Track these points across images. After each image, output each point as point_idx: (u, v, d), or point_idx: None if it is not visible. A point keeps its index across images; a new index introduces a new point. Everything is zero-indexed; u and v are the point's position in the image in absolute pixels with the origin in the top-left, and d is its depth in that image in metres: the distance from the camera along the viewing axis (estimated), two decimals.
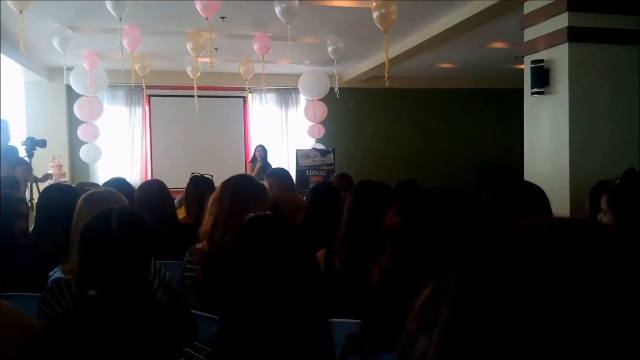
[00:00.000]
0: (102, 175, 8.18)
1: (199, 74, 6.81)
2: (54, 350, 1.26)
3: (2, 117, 5.17)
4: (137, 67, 6.28)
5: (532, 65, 3.94)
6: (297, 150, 7.70)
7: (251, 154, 8.49)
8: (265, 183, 3.44)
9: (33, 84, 8.08)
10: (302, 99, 8.84)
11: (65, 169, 7.60)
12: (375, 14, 4.84)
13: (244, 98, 9.01)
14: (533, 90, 3.96)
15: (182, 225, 2.97)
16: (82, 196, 1.97)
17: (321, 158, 7.47)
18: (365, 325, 1.18)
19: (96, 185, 3.28)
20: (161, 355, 1.26)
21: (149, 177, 8.68)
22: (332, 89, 7.40)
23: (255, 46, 6.13)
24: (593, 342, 0.34)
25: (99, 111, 7.80)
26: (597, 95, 3.81)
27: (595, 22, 3.77)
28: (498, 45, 6.96)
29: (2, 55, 5.66)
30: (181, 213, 3.28)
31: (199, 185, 3.07)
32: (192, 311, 1.65)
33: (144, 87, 7.04)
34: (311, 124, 8.36)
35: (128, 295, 1.36)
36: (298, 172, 7.28)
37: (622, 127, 3.85)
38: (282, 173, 3.78)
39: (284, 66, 7.27)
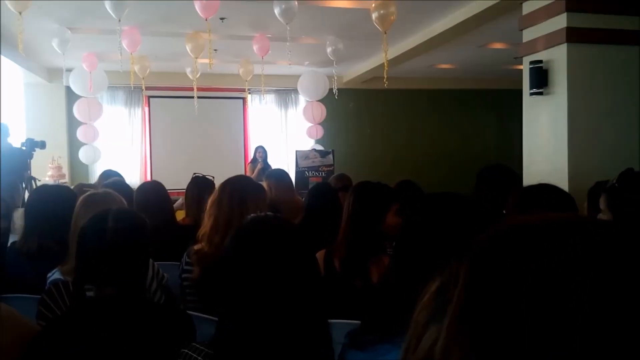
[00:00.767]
0: None
1: (198, 75, 6.81)
2: (51, 351, 1.26)
3: (1, 121, 5.16)
4: (136, 68, 6.29)
5: (531, 66, 3.95)
6: (296, 151, 7.70)
7: (251, 154, 8.49)
8: (265, 184, 3.44)
9: (33, 85, 8.09)
10: (302, 99, 8.85)
11: (65, 170, 7.60)
12: (374, 15, 4.84)
13: (244, 99, 9.02)
14: (532, 91, 3.97)
15: (180, 226, 2.97)
16: (81, 198, 1.97)
17: (320, 159, 7.47)
18: (365, 319, 1.19)
19: (95, 186, 3.28)
20: (159, 356, 1.26)
21: (148, 178, 8.68)
22: (331, 89, 7.40)
23: (255, 47, 6.14)
24: (596, 327, 0.36)
25: (98, 112, 7.80)
26: (595, 96, 3.81)
27: (594, 23, 3.78)
28: (497, 45, 6.97)
29: (1, 56, 5.67)
30: (182, 214, 3.29)
31: (199, 186, 3.07)
32: (190, 312, 1.65)
33: (143, 88, 7.04)
34: (310, 124, 8.37)
35: (125, 296, 1.36)
36: (297, 173, 7.28)
37: (621, 128, 3.85)
38: (281, 174, 3.78)
39: (283, 67, 7.28)
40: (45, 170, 6.94)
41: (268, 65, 6.71)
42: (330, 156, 7.54)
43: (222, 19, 5.45)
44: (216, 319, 1.14)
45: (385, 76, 5.06)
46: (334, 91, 7.03)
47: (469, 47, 6.97)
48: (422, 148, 9.72)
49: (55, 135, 7.80)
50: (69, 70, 6.89)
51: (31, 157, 6.08)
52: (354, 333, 1.18)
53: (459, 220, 1.14)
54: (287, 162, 8.58)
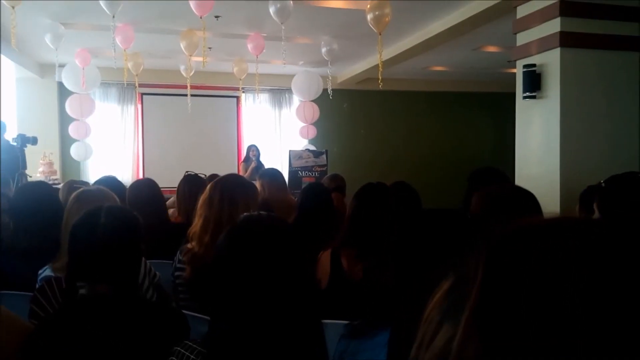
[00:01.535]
0: (93, 173, 8.13)
1: (192, 72, 6.79)
2: (45, 350, 1.25)
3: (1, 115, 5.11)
4: (130, 65, 6.25)
5: (524, 70, 3.97)
6: (289, 151, 7.70)
7: (244, 153, 8.47)
8: (257, 183, 3.43)
9: (24, 80, 8.02)
10: (296, 99, 8.84)
11: (56, 167, 7.54)
12: (369, 16, 4.85)
13: (237, 98, 9.00)
14: (525, 95, 3.99)
15: (173, 225, 2.96)
16: (73, 194, 1.96)
17: (314, 159, 7.47)
18: (367, 313, 1.22)
19: (86, 183, 3.26)
20: (152, 354, 1.26)
21: (141, 176, 8.64)
22: (325, 90, 7.40)
23: (249, 46, 6.12)
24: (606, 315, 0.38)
25: (90, 109, 7.75)
26: (588, 100, 3.84)
27: (587, 28, 3.80)
28: (491, 49, 7.00)
29: None
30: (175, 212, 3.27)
31: (191, 184, 3.06)
32: (183, 311, 1.65)
33: (136, 85, 7.01)
34: (303, 124, 8.37)
35: (118, 293, 1.36)
36: (290, 172, 7.28)
37: (613, 132, 3.88)
38: (275, 173, 3.78)
39: (277, 66, 7.27)
40: (37, 167, 6.88)
41: (262, 65, 6.70)
42: (324, 156, 7.55)
43: (216, 17, 5.43)
44: (208, 317, 1.14)
45: (380, 77, 5.07)
46: (329, 91, 7.04)
47: (463, 50, 7.00)
48: (416, 150, 9.75)
49: (47, 131, 7.74)
50: (62, 66, 6.84)
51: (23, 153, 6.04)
52: (352, 326, 1.21)
53: (453, 237, 1.16)
54: (281, 162, 8.58)
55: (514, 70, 4.32)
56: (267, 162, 7.81)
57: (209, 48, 6.28)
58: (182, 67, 7.17)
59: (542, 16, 3.91)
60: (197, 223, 2.11)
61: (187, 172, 3.21)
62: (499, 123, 9.61)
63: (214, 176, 3.15)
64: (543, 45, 3.90)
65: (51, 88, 8.18)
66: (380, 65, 5.03)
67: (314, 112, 8.21)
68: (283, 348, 1.02)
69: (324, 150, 7.78)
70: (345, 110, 9.41)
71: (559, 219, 0.45)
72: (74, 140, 7.79)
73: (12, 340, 1.27)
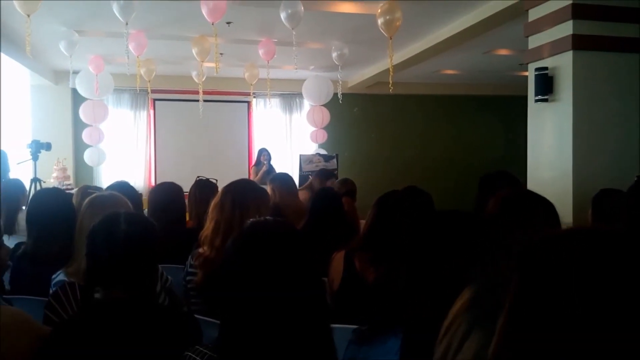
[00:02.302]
0: (106, 178, 8.20)
1: (204, 78, 6.84)
2: (59, 354, 1.27)
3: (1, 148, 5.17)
4: (142, 71, 6.32)
5: (536, 73, 3.94)
6: (300, 155, 7.71)
7: (254, 158, 8.50)
8: (268, 188, 3.44)
9: (39, 87, 8.13)
10: (306, 104, 8.86)
11: (70, 172, 7.63)
12: (380, 21, 4.85)
13: (249, 103, 9.04)
14: (537, 98, 3.96)
15: (186, 230, 2.98)
16: (87, 199, 1.98)
17: (324, 163, 7.48)
18: (375, 318, 1.22)
19: (100, 189, 3.29)
20: (164, 358, 1.27)
21: (153, 181, 8.70)
22: (335, 94, 7.41)
23: (261, 51, 6.16)
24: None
25: (104, 115, 7.84)
26: (601, 103, 3.80)
27: (599, 30, 3.77)
28: (503, 52, 6.97)
29: (8, 57, 5.71)
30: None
31: (202, 189, 3.08)
32: (195, 316, 1.65)
33: (149, 91, 7.08)
34: (314, 129, 8.38)
35: (135, 299, 1.37)
36: (301, 177, 7.29)
37: (626, 135, 3.84)
38: (285, 178, 3.79)
39: (288, 71, 7.30)
40: (50, 172, 6.97)
41: (273, 70, 6.73)
42: (334, 160, 7.55)
43: (228, 23, 5.47)
44: (219, 322, 1.15)
45: (391, 82, 5.06)
46: (339, 96, 7.05)
47: (474, 53, 6.97)
48: (427, 153, 9.71)
49: (60, 137, 7.84)
50: (76, 72, 6.92)
51: (37, 158, 6.13)
52: (359, 331, 1.21)
53: (468, 241, 1.16)
54: (291, 166, 8.60)
55: (526, 74, 4.29)
56: (278, 166, 7.83)
57: (221, 54, 6.32)
58: (194, 73, 7.23)
59: (554, 19, 3.89)
60: (208, 227, 2.13)
61: (198, 177, 3.23)
62: (510, 126, 9.55)
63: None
64: (555, 48, 3.87)
65: (65, 95, 8.28)
66: (390, 69, 5.03)
67: (325, 116, 8.22)
68: (292, 353, 1.02)
69: (334, 154, 7.79)
70: (355, 114, 9.41)
71: (587, 228, 0.48)
72: (88, 146, 7.88)
73: (29, 344, 1.29)
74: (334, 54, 6.35)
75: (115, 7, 4.52)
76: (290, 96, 9.23)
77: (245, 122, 9.28)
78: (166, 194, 2.94)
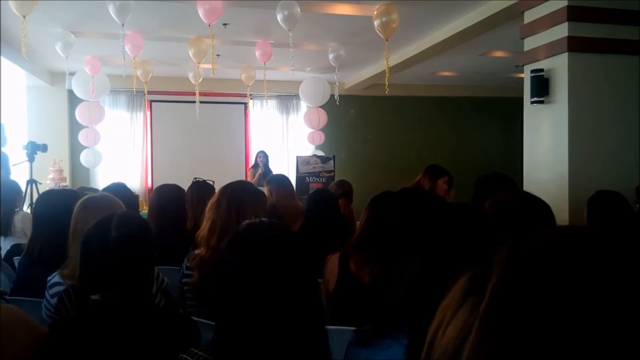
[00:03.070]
0: (102, 180, 8.19)
1: (200, 79, 6.84)
2: (56, 355, 1.27)
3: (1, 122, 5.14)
4: (139, 72, 6.31)
5: (532, 75, 3.96)
6: (297, 157, 7.71)
7: (252, 159, 8.50)
8: (265, 189, 3.44)
9: (35, 88, 8.11)
10: (303, 105, 8.87)
11: (66, 174, 7.62)
12: (376, 22, 4.86)
13: (245, 104, 9.03)
14: (532, 99, 3.97)
15: (186, 232, 2.96)
16: (79, 201, 1.97)
17: (321, 165, 7.48)
18: (372, 317, 1.22)
19: (96, 190, 3.28)
20: None
21: (149, 183, 8.69)
22: (332, 96, 7.42)
23: (257, 53, 6.16)
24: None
25: (100, 116, 7.82)
26: (596, 105, 3.82)
27: (595, 32, 3.79)
28: (499, 54, 6.99)
29: (3, 58, 5.69)
30: None
31: (199, 190, 3.07)
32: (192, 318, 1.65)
33: (145, 92, 7.07)
34: (311, 130, 8.39)
35: (130, 300, 1.37)
36: (298, 178, 7.29)
37: (622, 137, 3.85)
38: (282, 179, 3.79)
39: (285, 73, 7.30)
40: (47, 173, 6.95)
41: (270, 71, 6.73)
42: (331, 162, 7.56)
43: (225, 24, 5.47)
44: (214, 324, 1.15)
45: (387, 83, 5.07)
46: (336, 97, 7.05)
47: (470, 55, 6.99)
48: (424, 155, 9.70)
49: (57, 139, 7.82)
50: (72, 73, 6.91)
51: (33, 160, 6.12)
52: (360, 331, 1.20)
53: (472, 232, 1.17)
54: (288, 168, 8.60)
55: (522, 75, 4.31)
56: (275, 168, 7.83)
57: (217, 55, 6.32)
58: (190, 75, 7.22)
59: (549, 21, 3.90)
60: (204, 227, 2.13)
61: (195, 178, 3.22)
62: (506, 128, 9.57)
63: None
64: (551, 50, 3.89)
65: (61, 96, 8.26)
66: (387, 71, 5.04)
67: (321, 118, 8.23)
68: (287, 354, 1.02)
69: (331, 155, 7.79)
70: (352, 115, 9.42)
71: (574, 228, 0.48)
72: (84, 147, 7.86)
73: (27, 343, 1.29)
74: (331, 56, 6.36)
75: (111, 8, 4.51)
76: (287, 97, 9.23)
77: (242, 124, 9.27)
78: (166, 196, 2.93)
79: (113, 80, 7.42)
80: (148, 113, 8.86)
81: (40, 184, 6.34)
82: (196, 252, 2.15)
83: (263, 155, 7.59)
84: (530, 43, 4.14)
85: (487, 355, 0.43)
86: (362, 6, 5.03)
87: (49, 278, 1.87)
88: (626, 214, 2.62)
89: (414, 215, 1.96)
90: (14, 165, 6.18)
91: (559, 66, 3.84)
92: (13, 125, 7.56)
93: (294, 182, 6.02)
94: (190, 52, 5.82)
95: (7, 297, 1.96)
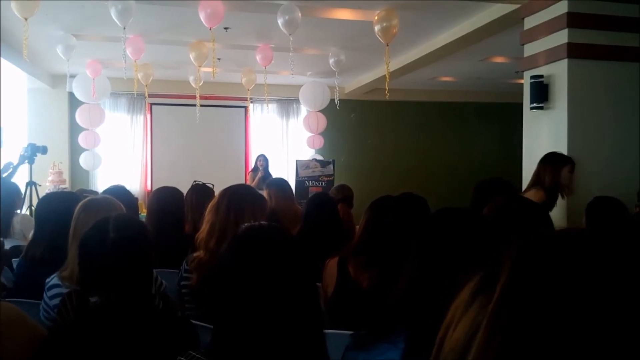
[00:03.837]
0: (101, 182, 8.19)
1: (201, 83, 6.85)
2: (55, 356, 1.27)
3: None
4: (140, 75, 6.32)
5: (532, 81, 3.97)
6: (297, 161, 7.72)
7: (251, 163, 8.50)
8: (265, 193, 3.44)
9: (36, 91, 8.12)
10: (303, 109, 8.88)
11: (66, 176, 7.61)
12: (377, 27, 4.88)
13: (246, 108, 9.05)
14: (532, 105, 3.98)
15: (183, 235, 2.96)
16: (80, 203, 1.98)
17: (321, 169, 7.49)
18: (370, 321, 1.22)
19: (95, 192, 3.28)
20: None
21: (149, 186, 8.69)
22: (332, 100, 7.44)
23: (258, 57, 6.18)
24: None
25: (100, 119, 7.83)
26: (596, 112, 3.83)
27: (595, 39, 3.80)
28: (499, 59, 7.01)
29: (5, 61, 5.70)
30: None
31: (199, 193, 3.07)
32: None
33: (146, 95, 7.08)
34: (310, 134, 8.40)
35: (130, 302, 1.37)
36: (297, 182, 7.30)
37: (621, 144, 3.86)
38: (282, 183, 3.79)
39: (285, 77, 7.31)
40: (46, 176, 6.95)
41: (270, 75, 6.75)
42: (331, 166, 7.56)
43: (226, 28, 5.49)
44: (212, 327, 1.15)
45: (387, 88, 5.08)
46: (336, 102, 7.07)
47: (470, 61, 7.01)
48: (423, 160, 9.73)
49: (57, 141, 7.82)
50: (73, 76, 6.92)
51: (33, 162, 6.11)
52: (357, 335, 1.20)
53: (470, 234, 1.17)
54: (288, 171, 8.60)
55: (522, 81, 4.32)
56: (275, 171, 7.83)
57: (218, 59, 6.34)
58: (191, 78, 7.24)
59: (549, 27, 3.92)
60: (204, 229, 2.14)
61: (195, 181, 3.22)
62: (506, 134, 9.57)
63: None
64: (551, 56, 3.90)
65: (62, 98, 8.27)
66: (387, 76, 5.05)
67: (321, 122, 8.24)
68: (285, 358, 1.02)
69: (331, 160, 7.80)
70: (352, 120, 9.43)
71: (584, 229, 0.50)
72: (84, 150, 7.87)
73: (27, 343, 1.29)
74: (331, 60, 6.37)
75: (113, 12, 4.52)
76: (287, 102, 9.25)
77: (242, 127, 9.28)
78: (165, 199, 2.93)
79: (114, 83, 7.43)
80: (148, 116, 8.87)
81: (40, 185, 6.33)
82: (195, 254, 2.15)
83: (263, 159, 7.60)
84: (530, 49, 4.16)
85: (494, 352, 0.43)
86: (362, 11, 5.05)
87: (47, 280, 1.87)
88: (625, 220, 2.62)
89: (412, 220, 1.96)
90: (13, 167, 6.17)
91: (558, 72, 3.85)
92: (13, 127, 7.57)
93: (293, 186, 6.03)
94: (191, 56, 5.83)
95: (7, 299, 1.96)
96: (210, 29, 4.64)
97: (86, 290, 1.43)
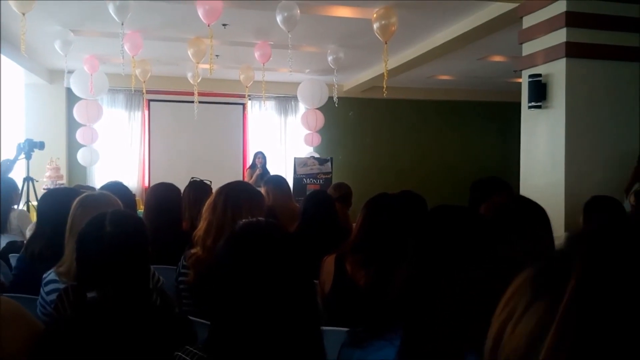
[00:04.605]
0: (99, 178, 8.17)
1: (199, 79, 6.84)
2: (52, 351, 1.27)
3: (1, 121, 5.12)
4: (137, 71, 6.31)
5: (530, 79, 3.97)
6: (294, 158, 7.71)
7: (249, 160, 8.50)
8: (262, 190, 3.44)
9: (33, 86, 8.10)
10: (302, 107, 8.88)
11: (63, 172, 7.60)
12: (375, 25, 4.88)
13: (244, 105, 9.04)
14: (530, 104, 3.99)
15: (181, 231, 2.96)
16: (77, 199, 1.97)
17: (319, 166, 7.49)
18: (366, 318, 1.22)
19: (92, 188, 3.27)
20: (157, 358, 1.27)
21: (147, 182, 8.68)
22: (331, 98, 7.43)
23: (256, 54, 6.17)
24: None
25: (98, 114, 7.81)
26: (594, 111, 3.84)
27: (593, 38, 3.81)
28: (497, 58, 7.01)
29: (3, 56, 5.68)
30: None
31: (196, 190, 3.07)
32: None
33: (144, 91, 7.06)
34: (308, 132, 8.39)
35: (128, 297, 1.37)
36: (295, 179, 7.30)
37: (619, 143, 3.87)
38: (280, 180, 3.79)
39: (283, 74, 7.31)
40: (43, 171, 6.94)
41: (269, 72, 6.74)
42: (329, 164, 7.56)
43: (224, 25, 5.48)
44: (209, 323, 1.15)
45: (385, 86, 5.09)
46: (334, 99, 7.06)
47: (469, 59, 7.01)
48: (420, 158, 9.74)
49: (54, 137, 7.81)
50: (71, 72, 6.90)
51: (30, 157, 6.10)
52: (353, 332, 1.21)
53: (466, 232, 1.17)
54: (286, 169, 8.60)
55: (520, 80, 4.32)
56: (272, 169, 7.83)
57: (216, 56, 6.32)
58: (189, 74, 7.23)
59: (548, 26, 3.92)
60: (201, 227, 2.13)
61: (192, 178, 3.22)
62: (504, 132, 9.60)
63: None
64: (549, 55, 3.91)
65: (59, 94, 8.25)
66: (385, 74, 5.05)
67: (319, 119, 8.23)
68: (282, 354, 1.02)
69: (328, 157, 7.80)
70: (350, 118, 9.44)
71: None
72: (81, 146, 7.85)
73: (27, 338, 1.29)
74: (330, 58, 6.37)
75: (111, 7, 4.51)
76: (285, 99, 9.24)
77: (240, 124, 9.28)
78: (163, 195, 2.92)
79: (111, 79, 7.41)
80: (146, 112, 8.86)
81: (37, 181, 6.32)
82: (192, 251, 2.15)
83: (261, 156, 7.59)
84: (528, 48, 4.16)
85: (566, 357, 0.41)
86: (361, 9, 5.05)
87: (44, 275, 1.87)
88: (623, 218, 2.63)
89: (409, 218, 1.97)
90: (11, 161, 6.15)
91: (556, 71, 3.86)
92: (11, 123, 7.55)
93: (291, 184, 6.03)
94: (189, 52, 5.82)
95: (6, 294, 1.96)
96: (208, 26, 4.64)
97: (84, 286, 1.43)
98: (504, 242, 1.25)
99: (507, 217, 1.63)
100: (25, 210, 5.56)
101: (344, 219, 3.73)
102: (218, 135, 9.09)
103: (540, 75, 3.93)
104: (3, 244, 3.03)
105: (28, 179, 6.17)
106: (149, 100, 8.73)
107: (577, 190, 3.61)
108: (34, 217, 4.54)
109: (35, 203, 5.96)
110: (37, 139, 6.22)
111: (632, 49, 3.85)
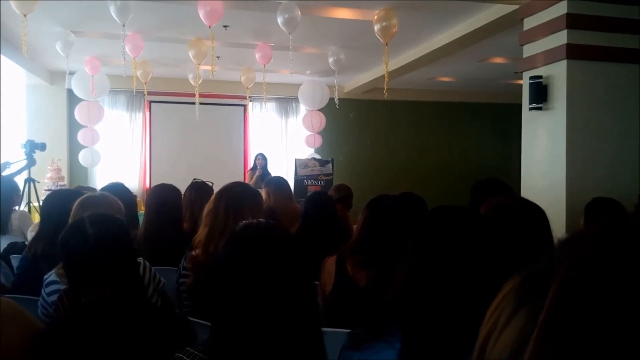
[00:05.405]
0: (100, 179, 8.17)
1: (200, 81, 6.84)
2: (50, 351, 1.27)
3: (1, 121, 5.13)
4: (139, 73, 6.31)
5: (531, 81, 3.97)
6: (295, 160, 7.71)
7: (250, 162, 8.50)
8: (263, 192, 3.45)
9: (34, 87, 8.11)
10: (302, 108, 8.88)
11: (64, 173, 7.60)
12: (376, 27, 4.88)
13: (245, 106, 9.05)
14: (531, 106, 3.99)
15: (182, 232, 2.96)
16: (78, 200, 1.98)
17: (320, 168, 7.49)
18: (366, 320, 1.22)
19: (93, 189, 3.28)
20: (156, 358, 1.27)
21: (148, 183, 8.68)
22: (332, 99, 7.44)
23: (257, 55, 6.17)
24: None
25: (99, 116, 7.82)
26: (594, 113, 3.84)
27: (594, 40, 3.81)
28: (498, 60, 7.01)
29: (4, 57, 5.69)
30: None
31: (198, 191, 3.07)
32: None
33: (145, 93, 7.07)
34: (309, 133, 8.40)
35: (122, 295, 1.37)
36: (296, 181, 7.30)
37: (619, 145, 3.87)
38: (280, 182, 3.79)
39: (284, 76, 7.31)
40: (45, 172, 6.94)
41: (270, 74, 6.74)
42: (330, 165, 7.56)
43: (225, 26, 5.49)
44: (210, 324, 1.15)
45: (385, 88, 5.09)
46: (335, 101, 7.06)
47: (469, 61, 7.02)
48: (421, 159, 9.74)
49: (55, 138, 7.81)
50: (72, 73, 6.91)
51: (31, 159, 6.10)
52: (353, 334, 1.21)
53: (466, 233, 1.17)
54: (287, 170, 8.60)
55: (520, 82, 4.32)
56: (273, 170, 7.83)
57: (217, 57, 6.33)
58: (190, 76, 7.23)
59: (548, 28, 3.92)
60: (202, 232, 2.13)
61: (194, 179, 3.23)
62: (504, 134, 9.60)
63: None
64: (549, 57, 3.91)
65: (61, 95, 8.26)
66: (386, 75, 5.06)
67: (321, 121, 8.24)
68: (283, 356, 1.02)
69: (329, 159, 7.80)
70: (351, 119, 9.44)
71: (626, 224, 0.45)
72: (83, 147, 7.85)
73: (27, 339, 1.29)
74: (331, 59, 6.37)
75: (112, 9, 4.52)
76: (286, 100, 9.25)
77: (241, 126, 9.28)
78: (164, 196, 2.92)
79: (113, 80, 7.42)
80: (147, 113, 8.86)
81: (39, 182, 6.33)
82: (193, 253, 2.15)
83: (262, 158, 7.59)
84: (529, 50, 4.16)
85: None
86: (362, 11, 5.05)
87: (45, 276, 1.88)
88: (625, 219, 2.62)
89: (410, 219, 1.97)
90: (11, 163, 6.16)
91: (557, 73, 3.86)
92: (12, 124, 7.56)
93: (292, 185, 6.03)
94: (190, 54, 5.83)
95: (7, 295, 1.96)
96: (209, 27, 4.64)
97: (76, 289, 1.44)
98: (503, 242, 1.25)
99: (507, 217, 1.63)
100: (27, 211, 5.57)
101: (345, 220, 3.73)
102: (219, 137, 9.09)
103: (541, 77, 3.93)
104: (4, 245, 3.04)
105: (29, 180, 6.18)
106: (150, 102, 8.74)
107: (578, 192, 3.60)
108: (35, 218, 4.55)
109: (36, 204, 5.96)
110: (38, 140, 6.22)
111: (633, 51, 3.85)
